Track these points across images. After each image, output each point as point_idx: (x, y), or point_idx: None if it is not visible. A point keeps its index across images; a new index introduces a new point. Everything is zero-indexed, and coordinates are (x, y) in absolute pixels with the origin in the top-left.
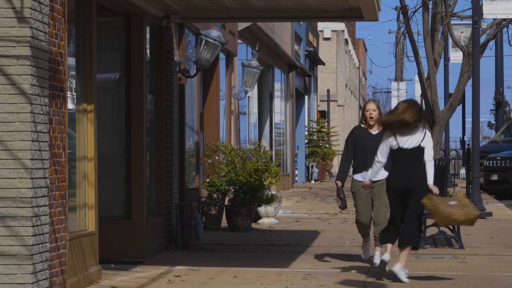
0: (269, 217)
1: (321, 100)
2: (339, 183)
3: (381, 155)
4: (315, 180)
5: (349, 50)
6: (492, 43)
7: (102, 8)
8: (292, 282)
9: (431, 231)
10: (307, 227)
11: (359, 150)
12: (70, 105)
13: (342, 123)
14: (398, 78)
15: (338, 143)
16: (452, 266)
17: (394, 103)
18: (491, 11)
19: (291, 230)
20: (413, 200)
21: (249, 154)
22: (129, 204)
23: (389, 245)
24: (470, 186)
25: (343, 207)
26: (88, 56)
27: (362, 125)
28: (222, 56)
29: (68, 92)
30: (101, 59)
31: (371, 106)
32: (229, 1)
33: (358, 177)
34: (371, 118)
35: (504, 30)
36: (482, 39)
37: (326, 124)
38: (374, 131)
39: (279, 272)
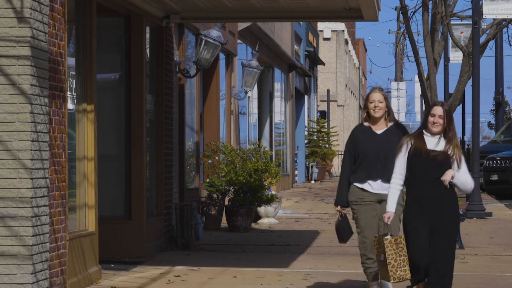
0: (269, 217)
1: (321, 100)
2: (340, 210)
3: None
4: (315, 180)
5: (349, 50)
6: (492, 43)
7: (102, 8)
8: (292, 282)
9: None
10: (307, 227)
11: (360, 154)
12: (70, 105)
13: (342, 123)
14: (398, 78)
15: (338, 143)
16: None
17: (394, 103)
18: (491, 11)
19: (291, 230)
20: None
21: (249, 154)
22: (129, 204)
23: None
24: None
25: (343, 241)
26: (88, 56)
27: (365, 123)
28: (222, 56)
29: (68, 92)
30: (101, 59)
31: (376, 96)
32: (229, 1)
33: (360, 185)
34: (375, 110)
35: (504, 30)
36: (482, 39)
37: (326, 124)
38: (379, 129)
39: (279, 272)
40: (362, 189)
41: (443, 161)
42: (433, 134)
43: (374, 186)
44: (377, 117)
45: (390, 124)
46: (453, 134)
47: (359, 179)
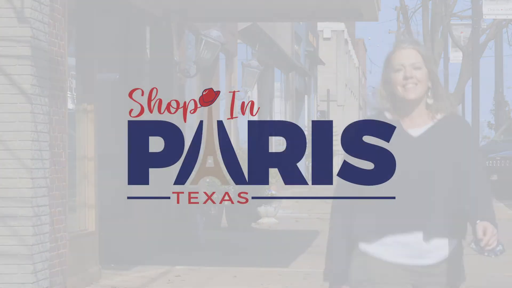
0: (269, 217)
1: (321, 100)
2: None
3: None
4: None
5: (349, 50)
6: (492, 43)
7: (102, 7)
8: (292, 282)
9: None
10: (307, 227)
11: None
12: (70, 105)
13: (342, 123)
14: None
15: (338, 143)
16: None
17: None
18: (491, 11)
19: (291, 230)
20: None
21: None
22: (129, 203)
23: None
24: None
25: None
26: (88, 56)
27: (387, 114)
28: (222, 56)
29: (68, 92)
30: (101, 59)
31: (409, 57)
32: (229, 1)
33: (375, 248)
34: (407, 85)
35: (504, 30)
36: (482, 39)
37: None
38: (416, 126)
39: (279, 272)
40: (379, 259)
41: None
42: None
43: (406, 250)
44: (411, 100)
45: (438, 116)
46: None
47: (371, 232)
